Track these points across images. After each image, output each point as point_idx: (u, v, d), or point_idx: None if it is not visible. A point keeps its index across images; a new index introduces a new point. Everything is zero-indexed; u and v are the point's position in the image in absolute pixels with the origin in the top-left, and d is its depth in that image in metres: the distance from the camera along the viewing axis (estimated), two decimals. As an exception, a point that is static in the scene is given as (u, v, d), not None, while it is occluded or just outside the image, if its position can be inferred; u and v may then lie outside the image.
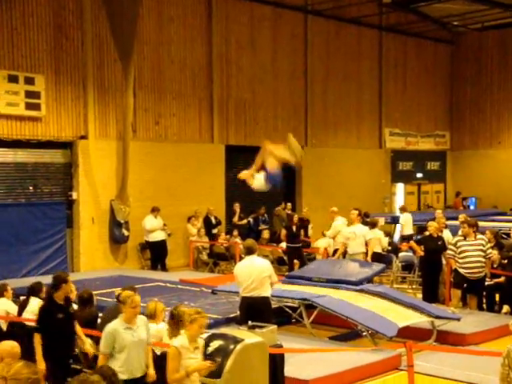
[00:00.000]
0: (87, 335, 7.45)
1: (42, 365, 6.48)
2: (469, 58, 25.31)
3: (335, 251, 14.15)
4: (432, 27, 23.95)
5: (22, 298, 9.05)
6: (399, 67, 23.83)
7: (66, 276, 6.99)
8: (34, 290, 8.54)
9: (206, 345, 6.04)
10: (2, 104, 13.72)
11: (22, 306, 8.42)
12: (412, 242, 13.14)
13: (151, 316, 7.28)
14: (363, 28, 22.05)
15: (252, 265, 8.54)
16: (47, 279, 11.28)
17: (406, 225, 16.75)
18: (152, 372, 6.10)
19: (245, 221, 18.09)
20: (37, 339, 6.67)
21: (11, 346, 5.19)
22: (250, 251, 8.71)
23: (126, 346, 5.81)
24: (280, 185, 8.93)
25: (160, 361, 6.92)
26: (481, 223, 12.38)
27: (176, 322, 6.63)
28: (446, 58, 25.54)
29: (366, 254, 12.86)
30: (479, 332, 9.61)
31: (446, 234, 12.51)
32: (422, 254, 12.07)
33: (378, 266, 11.63)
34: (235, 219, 18.01)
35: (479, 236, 11.01)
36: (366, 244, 12.99)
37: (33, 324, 7.92)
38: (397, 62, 23.69)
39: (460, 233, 11.43)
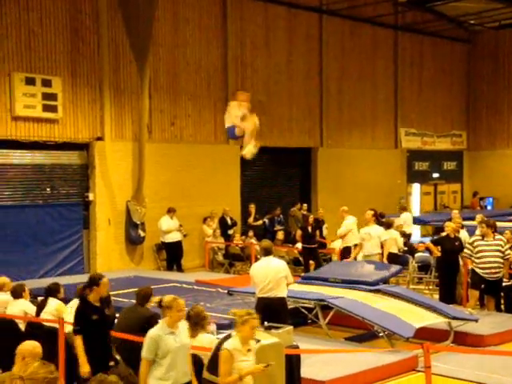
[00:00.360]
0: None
1: (85, 367, 6.39)
2: (485, 56, 25.13)
3: (344, 249, 14.07)
4: (448, 26, 23.81)
5: (39, 298, 9.12)
6: (415, 67, 23.71)
7: (100, 278, 6.86)
8: (51, 291, 8.59)
9: (222, 345, 6.04)
10: (20, 106, 13.84)
11: (40, 307, 8.48)
12: (429, 243, 13.07)
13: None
14: (378, 27, 21.97)
15: (268, 265, 8.54)
16: (64, 280, 11.41)
17: (405, 224, 16.62)
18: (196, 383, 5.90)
19: (260, 221, 18.10)
20: (78, 341, 6.57)
21: (33, 346, 5.23)
22: (267, 252, 8.71)
23: (169, 352, 5.60)
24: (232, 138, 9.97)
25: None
26: (498, 223, 12.26)
27: (193, 323, 6.65)
28: (463, 57, 25.38)
29: (382, 254, 12.79)
30: (497, 333, 9.53)
31: (463, 235, 12.43)
32: (438, 254, 11.99)
33: (394, 268, 11.56)
34: (250, 220, 18.03)
35: (497, 236, 10.92)
36: (382, 245, 12.93)
37: (51, 324, 7.99)
38: (412, 61, 23.58)
39: (477, 232, 11.35)
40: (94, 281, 6.77)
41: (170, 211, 15.79)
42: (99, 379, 2.98)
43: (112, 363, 6.65)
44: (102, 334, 6.71)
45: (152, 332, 5.73)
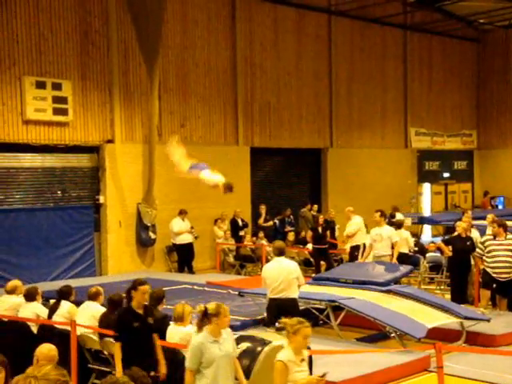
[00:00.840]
0: (107, 335, 7.48)
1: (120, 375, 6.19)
2: (495, 55, 25.01)
3: (353, 248, 14.01)
4: (457, 25, 23.73)
5: (51, 301, 9.16)
6: (424, 66, 23.64)
7: (140, 283, 6.58)
8: (64, 294, 8.62)
9: (234, 347, 6.05)
10: (31, 110, 13.92)
11: (53, 310, 8.51)
12: (440, 243, 13.00)
13: (179, 319, 7.32)
14: (388, 28, 21.93)
15: (280, 266, 8.54)
16: (76, 283, 11.44)
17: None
18: None
19: (271, 222, 18.10)
20: (116, 349, 6.48)
21: (48, 349, 5.28)
22: (280, 252, 8.70)
23: (213, 361, 5.43)
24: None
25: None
26: (509, 223, 12.20)
27: (202, 318, 6.70)
28: (472, 56, 25.28)
29: (392, 255, 12.74)
30: (510, 333, 9.48)
31: (475, 234, 12.37)
32: (450, 254, 11.94)
33: (405, 268, 11.53)
34: (260, 221, 18.03)
35: (509, 236, 10.86)
36: (393, 246, 12.88)
37: (63, 327, 8.02)
38: (422, 61, 23.51)
39: (489, 232, 11.29)
40: (133, 285, 6.57)
41: (182, 213, 15.82)
42: (110, 381, 2.99)
43: (153, 373, 6.34)
44: (143, 342, 6.49)
45: (195, 341, 5.57)
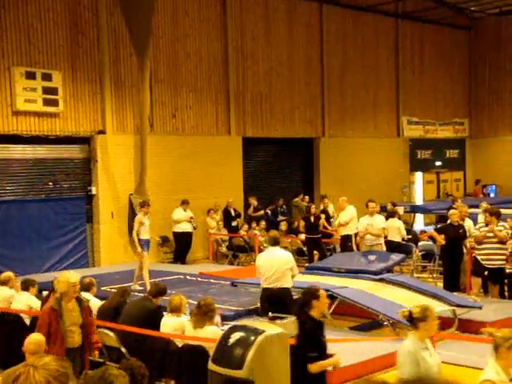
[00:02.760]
0: (107, 327, 7.50)
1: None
2: (487, 43, 25.01)
3: (345, 237, 14.02)
4: (449, 13, 23.70)
5: (44, 292, 9.14)
6: (416, 55, 23.62)
7: (317, 289, 5.81)
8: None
9: (227, 336, 6.05)
10: (20, 100, 13.82)
11: (46, 301, 8.49)
12: (433, 231, 13.05)
13: (176, 310, 7.33)
14: (379, 16, 21.87)
15: (274, 256, 8.55)
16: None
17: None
18: None
19: (261, 212, 18.08)
20: (314, 368, 5.47)
21: (34, 342, 5.35)
22: (275, 242, 8.71)
23: (429, 371, 4.79)
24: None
25: (181, 353, 6.98)
26: (502, 210, 12.24)
27: (202, 313, 6.70)
28: (464, 44, 25.27)
29: (386, 243, 12.76)
30: (501, 320, 9.53)
31: (468, 223, 12.39)
32: (443, 242, 11.95)
33: (397, 256, 11.57)
34: (250, 211, 18.01)
35: (500, 223, 10.91)
36: (386, 236, 12.91)
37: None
38: (414, 49, 23.49)
39: (481, 220, 11.35)
40: (312, 294, 5.74)
41: (184, 203, 15.82)
42: (100, 374, 2.96)
43: None
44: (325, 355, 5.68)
45: (408, 346, 4.90)
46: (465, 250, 11.63)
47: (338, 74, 20.94)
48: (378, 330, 9.33)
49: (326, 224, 15.91)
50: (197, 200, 16.66)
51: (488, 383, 4.58)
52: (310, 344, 5.50)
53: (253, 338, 6.12)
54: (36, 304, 8.62)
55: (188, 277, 13.12)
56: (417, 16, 22.97)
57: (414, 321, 4.94)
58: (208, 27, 17.50)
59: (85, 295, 8.27)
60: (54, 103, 14.29)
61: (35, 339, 5.51)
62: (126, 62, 15.73)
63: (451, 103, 25.03)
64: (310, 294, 5.73)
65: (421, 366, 4.75)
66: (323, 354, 5.55)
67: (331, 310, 9.62)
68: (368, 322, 9.67)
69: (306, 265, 12.86)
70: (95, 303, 8.33)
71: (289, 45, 19.51)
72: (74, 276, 6.58)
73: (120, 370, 3.06)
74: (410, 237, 14.40)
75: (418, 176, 24.41)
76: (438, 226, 13.96)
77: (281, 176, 20.04)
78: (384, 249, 12.48)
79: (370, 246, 12.65)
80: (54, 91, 14.24)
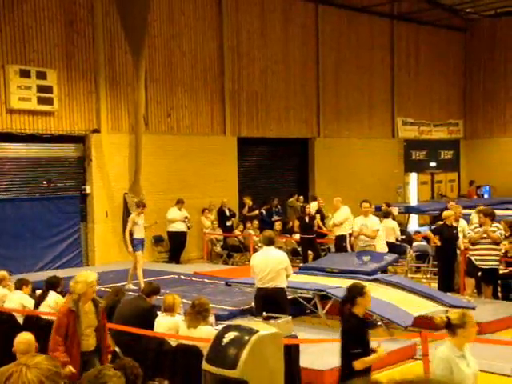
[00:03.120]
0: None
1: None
2: (481, 45, 25.08)
3: (339, 237, 14.03)
4: (444, 15, 23.75)
5: (37, 291, 9.12)
6: (411, 56, 23.67)
7: (362, 286, 5.72)
8: (52, 284, 8.60)
9: (221, 336, 6.05)
10: (15, 99, 13.78)
11: (40, 300, 8.48)
12: (429, 232, 13.05)
13: (170, 309, 7.32)
14: (375, 17, 21.91)
15: (269, 256, 8.54)
16: (63, 273, 11.39)
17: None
18: None
19: (256, 212, 18.09)
20: (360, 365, 5.41)
21: (23, 342, 5.34)
22: (269, 241, 8.70)
23: (463, 380, 4.62)
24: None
25: (175, 353, 6.97)
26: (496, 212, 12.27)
27: (196, 313, 6.69)
28: (459, 45, 25.33)
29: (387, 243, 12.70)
30: (494, 321, 9.56)
31: (463, 224, 12.41)
32: (439, 243, 11.93)
33: (390, 257, 11.59)
34: (245, 211, 18.02)
35: (494, 224, 10.95)
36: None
37: (49, 318, 7.98)
38: (409, 50, 23.54)
39: (475, 221, 11.38)
40: (357, 290, 5.62)
41: (179, 202, 15.82)
42: (95, 373, 2.96)
43: None
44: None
45: (443, 353, 4.75)
46: (458, 251, 11.66)
47: (333, 75, 20.96)
48: (372, 330, 9.32)
49: (320, 224, 15.93)
50: (191, 199, 16.65)
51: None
52: (353, 341, 5.43)
53: (247, 337, 6.12)
54: (29, 303, 8.60)
55: (182, 276, 13.10)
56: (412, 17, 23.01)
57: (452, 327, 4.81)
58: (204, 26, 17.49)
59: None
60: (49, 102, 14.25)
61: (25, 338, 5.49)
62: (121, 61, 15.70)
63: (446, 104, 25.09)
64: (356, 290, 5.62)
65: (454, 374, 4.59)
66: (367, 350, 5.45)
67: (325, 310, 9.63)
68: (362, 322, 9.67)
69: (300, 265, 12.87)
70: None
71: (284, 45, 19.52)
72: (91, 275, 6.33)
73: (116, 370, 3.06)
74: (404, 237, 14.43)
75: (413, 177, 24.46)
76: (433, 226, 13.98)
77: (275, 176, 20.05)
78: (383, 249, 12.45)
79: (364, 246, 12.66)
80: (48, 90, 14.21)
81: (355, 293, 5.59)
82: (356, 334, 5.50)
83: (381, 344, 5.43)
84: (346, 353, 5.48)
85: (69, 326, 6.05)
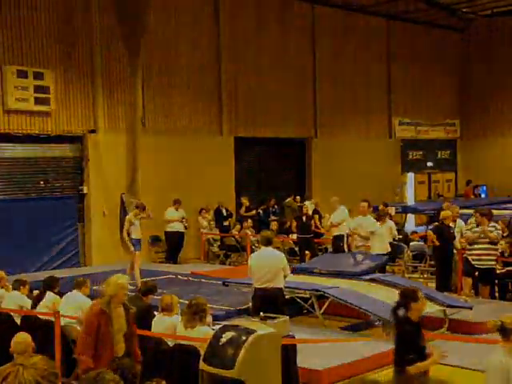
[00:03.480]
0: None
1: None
2: (479, 45, 25.10)
3: (337, 237, 14.04)
4: (441, 14, 23.77)
5: (35, 292, 9.12)
6: (408, 56, 23.68)
7: (415, 290, 5.60)
8: (49, 285, 8.60)
9: (219, 336, 6.06)
10: (12, 99, 13.77)
11: (37, 301, 8.48)
12: (429, 232, 13.01)
13: (167, 309, 7.32)
14: (371, 17, 21.92)
15: (266, 256, 8.55)
16: (60, 273, 11.39)
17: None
18: None
19: (253, 212, 18.10)
20: (414, 370, 5.30)
21: (20, 342, 5.34)
22: (268, 242, 8.70)
23: None
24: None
25: (173, 353, 6.97)
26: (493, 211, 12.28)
27: (192, 313, 6.69)
28: (456, 45, 25.36)
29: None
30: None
31: (460, 224, 12.41)
32: (438, 243, 11.90)
33: (381, 259, 11.61)
34: (242, 211, 18.02)
35: (491, 224, 10.97)
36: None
37: (47, 318, 7.97)
38: (405, 50, 23.54)
39: (472, 221, 11.40)
40: (411, 296, 5.49)
41: (176, 203, 15.80)
42: (93, 376, 2.96)
43: None
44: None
45: (498, 361, 4.57)
46: (454, 251, 11.68)
47: (330, 75, 20.96)
48: (369, 331, 9.35)
49: (318, 224, 15.94)
50: (188, 199, 16.65)
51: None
52: (407, 347, 5.36)
53: (244, 337, 6.13)
54: (27, 303, 8.59)
55: (180, 276, 13.11)
56: (408, 17, 23.03)
57: (506, 331, 4.64)
58: (200, 27, 17.48)
59: (77, 294, 8.25)
60: (46, 102, 14.24)
61: (22, 338, 5.49)
62: (118, 61, 15.69)
63: (443, 104, 25.11)
64: (410, 296, 5.51)
65: (511, 381, 4.40)
66: (422, 356, 5.36)
67: (322, 310, 9.65)
68: (359, 322, 9.70)
69: (293, 265, 12.86)
70: (87, 303, 8.28)
71: (281, 45, 19.52)
72: (122, 277, 6.10)
73: (115, 375, 3.05)
74: (401, 237, 14.44)
75: (410, 177, 24.49)
76: (431, 226, 13.98)
77: (273, 176, 20.05)
78: (384, 250, 12.40)
79: (359, 246, 12.68)
80: (45, 90, 14.20)
81: (409, 298, 5.49)
82: (410, 339, 5.41)
83: (439, 347, 5.33)
84: (399, 358, 5.41)
85: (99, 328, 5.70)
